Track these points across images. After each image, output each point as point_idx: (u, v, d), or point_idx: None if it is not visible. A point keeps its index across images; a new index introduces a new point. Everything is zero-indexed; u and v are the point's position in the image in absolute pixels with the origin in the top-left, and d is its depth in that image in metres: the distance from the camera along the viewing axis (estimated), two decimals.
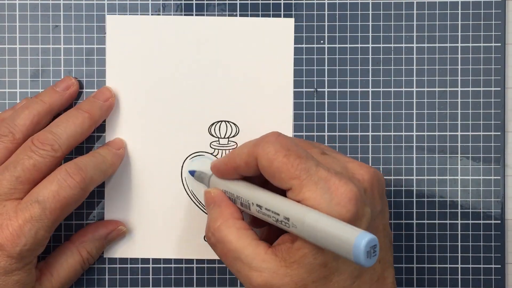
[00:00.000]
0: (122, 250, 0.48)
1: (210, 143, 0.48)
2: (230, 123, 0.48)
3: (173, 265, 0.48)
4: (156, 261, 0.48)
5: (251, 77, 0.48)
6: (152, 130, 0.48)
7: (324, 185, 0.37)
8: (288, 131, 0.48)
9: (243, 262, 0.38)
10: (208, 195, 0.43)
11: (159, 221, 0.48)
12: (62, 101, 0.46)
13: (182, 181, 0.48)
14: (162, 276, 0.48)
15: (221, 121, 0.48)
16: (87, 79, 0.48)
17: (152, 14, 0.48)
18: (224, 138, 0.48)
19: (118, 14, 0.48)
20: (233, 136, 0.48)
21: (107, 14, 0.48)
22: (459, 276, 0.48)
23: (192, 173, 0.47)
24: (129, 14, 0.48)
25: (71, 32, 0.48)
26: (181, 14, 0.48)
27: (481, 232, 0.48)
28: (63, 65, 0.48)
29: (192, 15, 0.48)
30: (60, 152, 0.43)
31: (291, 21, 0.48)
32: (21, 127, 0.44)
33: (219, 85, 0.48)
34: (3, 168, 0.42)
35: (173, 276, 0.48)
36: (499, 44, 0.48)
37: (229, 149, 0.48)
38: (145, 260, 0.48)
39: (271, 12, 0.48)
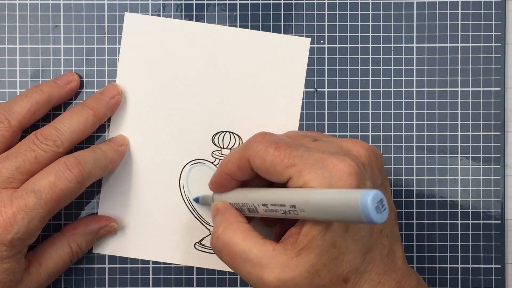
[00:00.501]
0: (112, 248, 0.48)
1: (212, 152, 0.48)
2: (234, 135, 0.48)
3: (173, 265, 0.48)
4: (156, 261, 0.48)
5: (260, 92, 0.48)
6: (156, 132, 0.48)
7: (322, 165, 0.37)
8: None
9: (252, 262, 0.38)
10: (213, 207, 0.43)
11: (152, 223, 0.48)
12: (61, 93, 0.46)
13: (179, 186, 0.48)
14: (162, 276, 0.48)
15: (226, 131, 0.48)
16: (87, 79, 0.48)
17: (152, 14, 0.48)
18: (226, 148, 0.48)
19: (140, 13, 0.48)
20: None
21: (126, 12, 0.48)
22: (459, 276, 0.48)
23: (196, 200, 0.47)
24: (150, 14, 0.48)
25: (71, 32, 0.48)
26: (181, 14, 0.48)
27: (481, 232, 0.48)
28: (63, 65, 0.48)
29: (192, 15, 0.48)
30: (62, 148, 0.43)
31: (307, 41, 0.48)
32: (18, 114, 0.44)
33: (227, 96, 0.48)
34: (4, 157, 0.42)
35: (173, 276, 0.48)
36: (499, 44, 0.48)
37: None
38: (145, 260, 0.48)
39: (271, 13, 0.48)
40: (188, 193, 0.48)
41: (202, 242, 0.48)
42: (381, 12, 0.48)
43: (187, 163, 0.48)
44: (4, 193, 0.41)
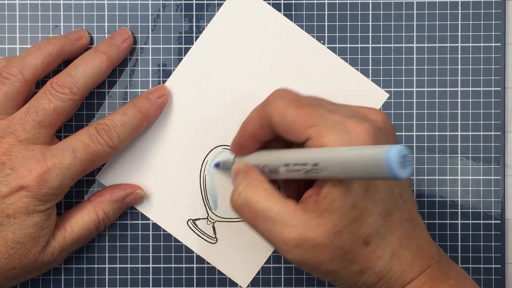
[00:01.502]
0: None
1: None
2: None
3: (173, 265, 0.48)
4: (156, 261, 0.48)
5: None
6: (196, 113, 0.48)
7: (341, 127, 0.36)
8: None
9: (273, 220, 0.38)
10: (235, 168, 0.42)
11: (163, 186, 0.48)
12: (72, 48, 0.46)
13: (202, 162, 0.48)
14: (162, 276, 0.48)
15: None
16: None
17: (152, 14, 0.48)
18: None
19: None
20: None
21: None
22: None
23: (217, 165, 0.47)
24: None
25: None
26: (181, 14, 0.48)
27: (481, 232, 0.48)
28: (63, 65, 0.48)
29: (192, 15, 0.48)
30: (79, 95, 0.44)
31: (384, 96, 0.48)
32: (32, 67, 0.44)
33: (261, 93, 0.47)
34: (24, 112, 0.42)
35: (173, 276, 0.48)
36: (499, 44, 0.48)
37: None
38: (145, 260, 0.48)
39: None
40: (207, 172, 0.48)
41: (196, 222, 0.48)
42: (381, 12, 0.48)
43: (221, 145, 0.48)
44: (37, 150, 0.42)
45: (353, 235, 0.37)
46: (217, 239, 0.48)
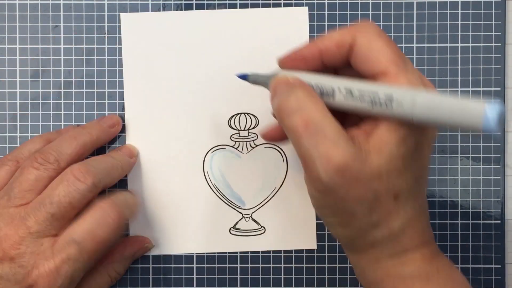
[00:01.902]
0: (154, 249, 0.48)
1: (231, 136, 0.48)
2: (250, 115, 0.48)
3: (173, 265, 0.48)
4: (156, 260, 0.48)
5: (267, 68, 0.47)
6: (172, 126, 0.48)
7: (420, 79, 0.36)
8: None
9: (327, 136, 0.35)
10: (280, 79, 0.38)
11: (184, 217, 0.48)
12: (106, 136, 0.47)
13: (204, 175, 0.48)
14: (162, 276, 0.48)
15: (241, 113, 0.48)
16: (87, 79, 0.48)
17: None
18: (244, 130, 0.48)
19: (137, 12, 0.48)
20: (253, 128, 0.48)
21: (122, 13, 0.48)
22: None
23: (243, 77, 0.42)
24: (142, 12, 0.48)
25: (71, 32, 0.48)
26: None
27: (481, 232, 0.48)
28: (63, 65, 0.48)
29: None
30: (96, 189, 0.43)
31: (305, 10, 0.48)
32: (67, 156, 0.43)
33: (235, 78, 0.48)
34: (39, 203, 0.41)
35: (173, 276, 0.48)
36: (499, 44, 0.48)
37: (249, 141, 0.48)
38: (145, 260, 0.48)
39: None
40: (214, 180, 0.48)
41: (237, 226, 0.48)
42: (381, 12, 0.48)
43: (208, 151, 0.48)
44: (45, 244, 0.40)
45: (390, 184, 0.36)
46: (264, 228, 0.48)
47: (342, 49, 0.38)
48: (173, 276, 0.48)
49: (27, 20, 0.48)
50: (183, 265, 0.48)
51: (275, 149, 0.48)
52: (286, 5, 0.48)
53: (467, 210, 0.48)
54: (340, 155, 0.35)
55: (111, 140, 0.47)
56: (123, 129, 0.48)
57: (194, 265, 0.48)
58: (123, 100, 0.48)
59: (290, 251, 0.48)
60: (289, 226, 0.48)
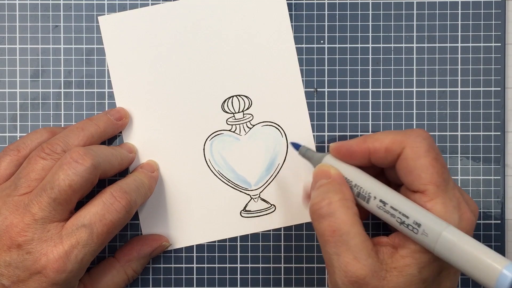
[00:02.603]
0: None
1: (226, 120, 0.48)
2: (242, 97, 0.48)
3: (173, 265, 0.48)
4: (156, 260, 0.48)
5: (255, 49, 0.48)
6: (166, 121, 0.48)
7: (457, 204, 0.37)
8: (301, 94, 0.48)
9: (349, 248, 0.37)
10: (325, 169, 0.41)
11: (193, 207, 0.48)
12: (114, 129, 0.47)
13: (206, 162, 0.48)
14: (162, 276, 0.48)
15: (233, 96, 0.48)
16: (87, 79, 0.48)
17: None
18: (238, 112, 0.48)
19: (108, 13, 0.48)
20: (247, 109, 0.48)
21: (99, 16, 0.48)
22: (459, 276, 0.48)
23: (296, 146, 0.45)
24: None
25: (71, 32, 0.48)
26: None
27: (481, 232, 0.48)
28: (63, 65, 0.48)
29: None
30: (98, 170, 0.42)
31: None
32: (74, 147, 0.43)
33: (224, 62, 0.48)
34: (40, 189, 0.41)
35: (173, 276, 0.48)
36: (499, 44, 0.48)
37: (246, 122, 0.48)
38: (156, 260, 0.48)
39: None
40: (217, 167, 0.48)
41: (247, 208, 0.48)
42: (381, 12, 0.48)
43: (207, 138, 0.48)
44: (53, 230, 0.40)
45: None
46: (274, 206, 0.48)
47: (390, 155, 0.39)
48: (173, 276, 0.48)
49: (27, 20, 0.48)
50: (183, 265, 0.48)
51: (273, 126, 0.48)
52: (296, 8, 0.48)
53: None
54: (358, 269, 0.36)
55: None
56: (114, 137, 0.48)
57: (194, 265, 0.48)
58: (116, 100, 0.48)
59: (298, 236, 0.48)
60: (297, 202, 0.48)
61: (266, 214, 0.48)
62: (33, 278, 0.40)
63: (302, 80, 0.48)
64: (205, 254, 0.48)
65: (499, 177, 0.48)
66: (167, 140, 0.48)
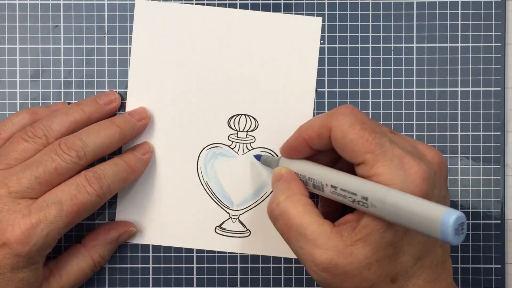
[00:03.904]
0: (137, 237, 0.48)
1: (228, 136, 0.48)
2: (250, 117, 0.48)
3: (173, 265, 0.48)
4: (156, 260, 0.48)
5: (273, 73, 0.48)
6: (172, 118, 0.48)
7: (398, 162, 0.37)
8: None
9: (307, 238, 0.38)
10: (277, 172, 0.42)
11: (171, 209, 0.48)
12: (101, 114, 0.46)
13: (197, 171, 0.48)
14: (162, 276, 0.48)
15: (241, 114, 0.48)
16: (87, 79, 0.48)
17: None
18: (242, 131, 0.48)
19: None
20: (252, 130, 0.48)
21: None
22: (459, 276, 0.48)
23: (258, 157, 0.47)
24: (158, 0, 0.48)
25: (71, 32, 0.48)
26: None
27: (481, 232, 0.48)
28: (63, 65, 0.48)
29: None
30: (84, 160, 0.43)
31: (318, 20, 0.48)
32: (57, 132, 0.44)
33: (240, 79, 0.48)
34: (25, 166, 0.42)
35: (173, 276, 0.48)
36: (499, 44, 0.48)
37: (247, 143, 0.48)
38: (145, 260, 0.48)
39: (270, 11, 0.48)
40: (206, 177, 0.48)
41: (222, 226, 0.48)
42: (381, 12, 0.48)
43: (204, 147, 0.48)
44: (23, 204, 0.41)
45: (382, 270, 0.37)
46: (250, 231, 0.48)
47: (324, 140, 0.40)
48: (173, 276, 0.48)
49: (27, 20, 0.48)
50: (183, 265, 0.48)
51: (271, 154, 0.48)
52: (287, 5, 0.48)
53: (467, 210, 0.48)
54: (322, 254, 0.37)
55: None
56: None
57: (194, 265, 0.48)
58: (125, 95, 0.48)
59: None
60: (274, 233, 0.48)
61: (239, 237, 0.48)
62: (0, 250, 0.40)
63: (313, 113, 0.48)
64: (205, 254, 0.48)
65: (499, 177, 0.48)
66: (167, 139, 0.48)
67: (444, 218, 0.32)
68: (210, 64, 0.48)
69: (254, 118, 0.48)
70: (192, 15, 0.48)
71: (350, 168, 0.39)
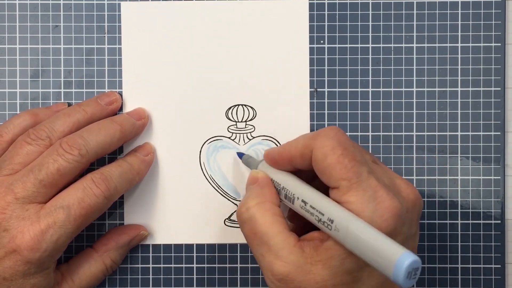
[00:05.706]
0: (148, 238, 0.48)
1: (228, 127, 0.48)
2: (247, 107, 0.48)
3: (173, 265, 0.48)
4: (156, 260, 0.48)
5: (267, 61, 0.48)
6: (169, 116, 0.48)
7: (372, 194, 0.37)
8: (305, 114, 0.48)
9: (270, 248, 0.38)
10: (254, 175, 0.43)
11: (178, 206, 0.48)
12: (103, 114, 0.46)
13: (200, 165, 0.48)
14: (162, 276, 0.48)
15: (238, 105, 0.48)
16: (87, 79, 0.48)
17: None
18: (241, 122, 0.48)
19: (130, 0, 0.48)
20: (250, 120, 0.48)
21: (122, 1, 0.48)
22: (459, 276, 0.48)
23: (240, 155, 0.47)
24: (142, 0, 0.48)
25: (71, 32, 0.48)
26: None
27: (481, 232, 0.48)
28: (63, 65, 0.48)
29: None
30: (86, 159, 0.42)
31: (305, 1, 0.48)
32: (59, 133, 0.44)
33: (234, 69, 0.48)
34: (28, 170, 0.42)
35: (173, 276, 0.48)
36: (499, 44, 0.48)
37: (246, 133, 0.48)
38: (145, 260, 0.48)
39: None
40: (210, 171, 0.48)
41: (231, 218, 0.48)
42: (381, 12, 0.48)
43: (205, 142, 0.48)
44: (31, 210, 0.41)
45: None
46: None
47: (306, 160, 0.40)
48: (173, 276, 0.48)
49: (27, 20, 0.48)
50: (183, 265, 0.48)
51: (272, 141, 0.48)
52: None
53: (467, 210, 0.48)
54: (281, 266, 0.37)
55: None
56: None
57: (194, 265, 0.48)
58: (122, 93, 0.48)
59: None
60: None
61: None
62: (9, 257, 0.40)
63: (310, 102, 0.48)
64: (205, 254, 0.48)
65: (499, 177, 0.48)
66: (166, 136, 0.48)
67: (399, 261, 0.32)
68: (202, 58, 0.48)
69: (252, 107, 0.48)
70: (179, 11, 0.48)
71: (325, 189, 0.39)
